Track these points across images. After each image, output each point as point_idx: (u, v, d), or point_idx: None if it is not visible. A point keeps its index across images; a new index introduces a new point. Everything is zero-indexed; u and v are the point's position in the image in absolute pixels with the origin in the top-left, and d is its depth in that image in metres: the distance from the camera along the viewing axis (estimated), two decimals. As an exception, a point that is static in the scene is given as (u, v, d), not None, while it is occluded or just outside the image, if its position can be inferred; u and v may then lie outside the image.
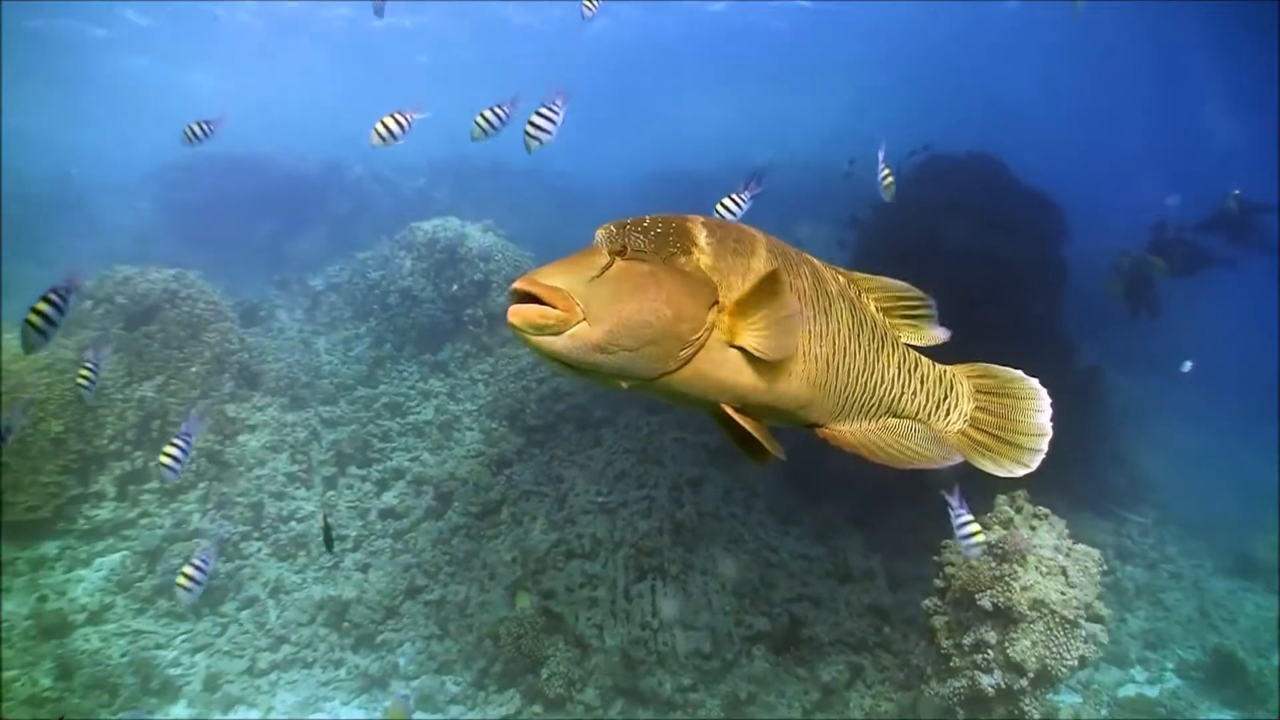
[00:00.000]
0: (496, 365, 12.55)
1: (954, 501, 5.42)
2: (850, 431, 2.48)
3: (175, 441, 5.93)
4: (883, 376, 2.48)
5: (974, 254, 11.49)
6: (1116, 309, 14.09)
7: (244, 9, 29.58)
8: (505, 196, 23.59)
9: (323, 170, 23.06)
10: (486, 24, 32.25)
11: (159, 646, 8.80)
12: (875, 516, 10.67)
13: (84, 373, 5.86)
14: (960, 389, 2.64)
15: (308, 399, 11.87)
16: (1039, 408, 2.56)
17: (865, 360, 2.43)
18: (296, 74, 37.06)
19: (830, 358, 2.33)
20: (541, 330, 1.96)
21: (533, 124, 5.13)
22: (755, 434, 2.18)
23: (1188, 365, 11.80)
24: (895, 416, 2.54)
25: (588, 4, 6.42)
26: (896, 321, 2.61)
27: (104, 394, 10.11)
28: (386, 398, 12.08)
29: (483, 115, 5.59)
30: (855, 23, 31.12)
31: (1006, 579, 6.31)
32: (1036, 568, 6.40)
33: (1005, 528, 6.66)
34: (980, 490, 7.20)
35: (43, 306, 4.40)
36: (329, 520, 7.05)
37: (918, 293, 2.62)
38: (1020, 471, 2.50)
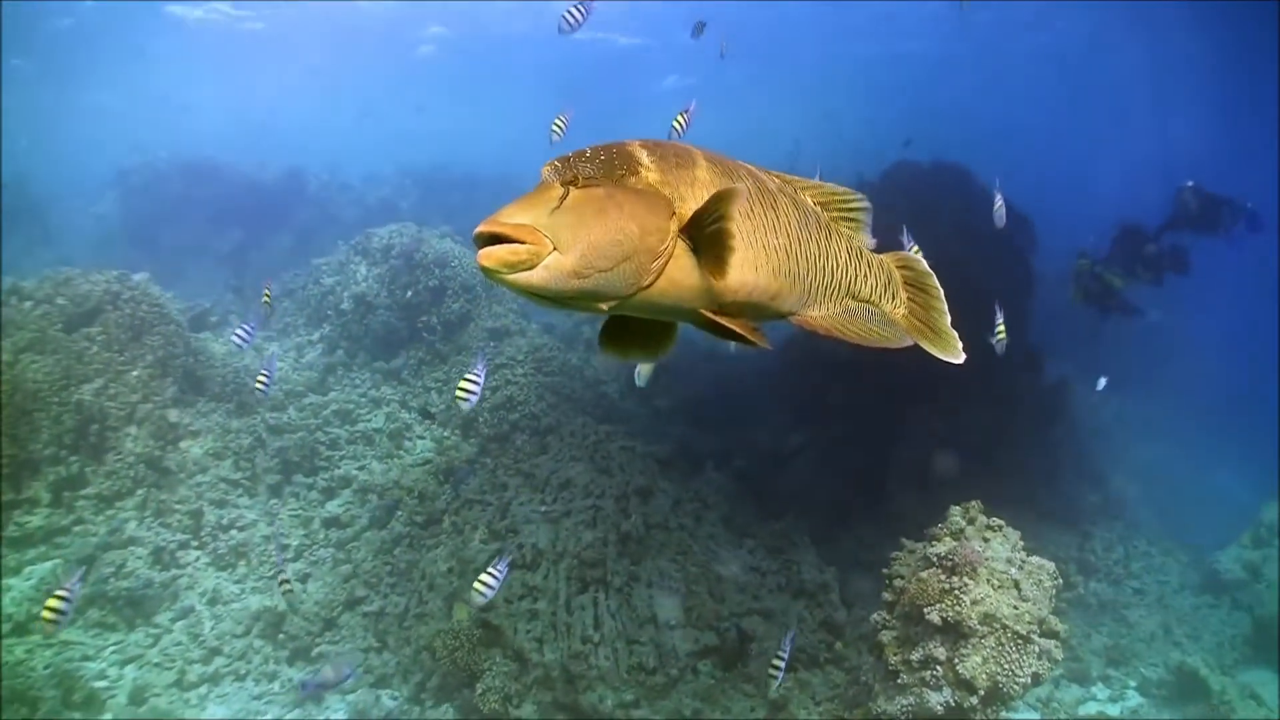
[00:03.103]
0: (450, 373, 12.28)
1: None
2: (820, 316, 2.59)
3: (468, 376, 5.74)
4: (837, 260, 2.60)
5: (939, 264, 11.27)
6: (1085, 320, 13.80)
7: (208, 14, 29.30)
8: (474, 206, 23.45)
9: (285, 178, 22.84)
10: (461, 31, 32.09)
11: (86, 658, 8.47)
12: (833, 532, 10.47)
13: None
14: (895, 276, 2.84)
15: (255, 405, 11.56)
16: (944, 310, 2.84)
17: (818, 245, 2.54)
18: (261, 82, 36.87)
19: (788, 247, 2.42)
20: (515, 267, 1.99)
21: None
22: (739, 330, 2.25)
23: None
24: (854, 300, 2.69)
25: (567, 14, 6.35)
26: (832, 217, 2.73)
27: (39, 397, 9.77)
28: (336, 405, 11.78)
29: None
30: (815, 33, 31.07)
31: (956, 592, 6.07)
32: (988, 581, 6.16)
33: (956, 539, 6.42)
34: (935, 501, 7.02)
35: None
36: None
37: (852, 193, 2.77)
38: (957, 359, 2.74)
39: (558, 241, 2.00)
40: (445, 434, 11.40)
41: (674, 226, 2.15)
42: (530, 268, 1.99)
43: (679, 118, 6.95)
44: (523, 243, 1.98)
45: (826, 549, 9.98)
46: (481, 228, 2.01)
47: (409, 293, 13.15)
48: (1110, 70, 30.81)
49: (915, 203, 12.05)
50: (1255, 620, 11.40)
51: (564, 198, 2.08)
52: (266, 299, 8.04)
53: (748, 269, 2.28)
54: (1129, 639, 10.81)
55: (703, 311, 2.27)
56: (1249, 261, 15.57)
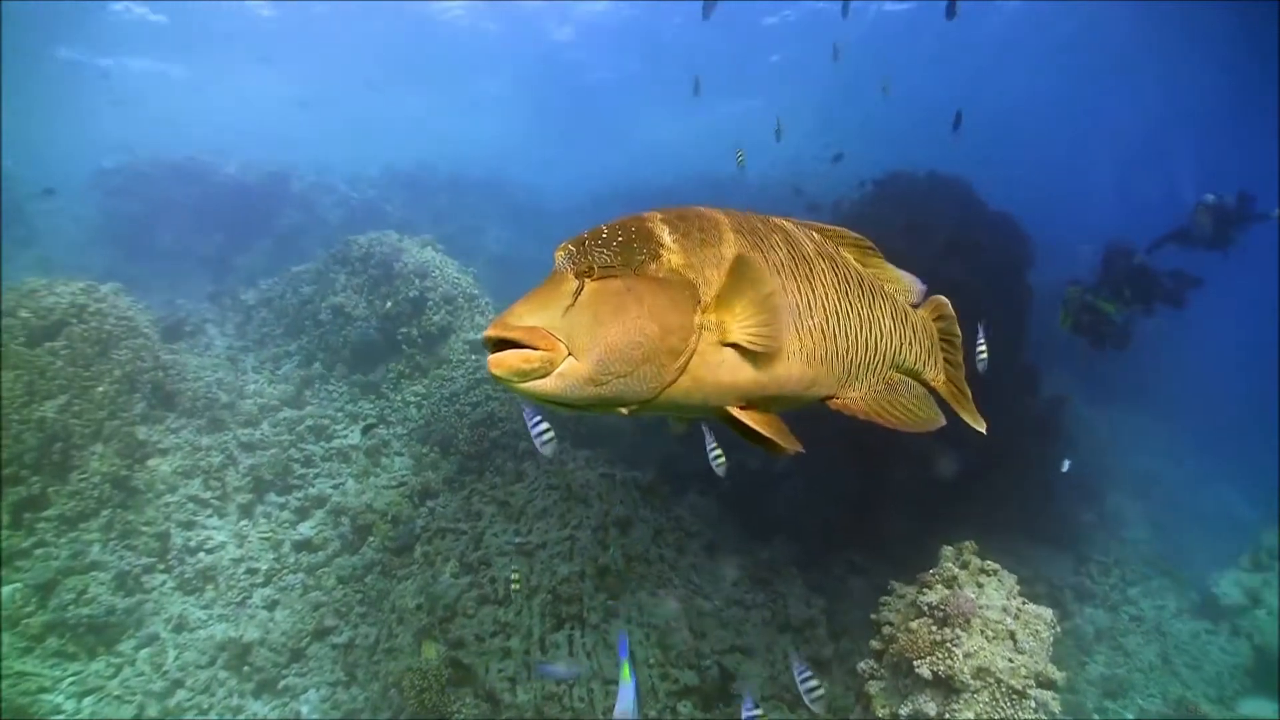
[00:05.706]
0: (430, 387, 11.95)
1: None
2: (861, 397, 2.43)
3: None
4: (881, 329, 2.46)
5: (934, 279, 10.94)
6: (1080, 343, 13.33)
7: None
8: (461, 209, 23.20)
9: (269, 180, 22.44)
10: (440, 32, 31.74)
11: (43, 690, 8.12)
12: (822, 556, 10.16)
13: None
14: (935, 333, 2.71)
15: (227, 421, 11.20)
16: (959, 363, 2.70)
17: (860, 318, 2.39)
18: (244, 80, 36.54)
19: (825, 325, 2.26)
20: (528, 375, 1.87)
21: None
22: (766, 432, 2.10)
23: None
24: (897, 371, 2.54)
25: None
26: (875, 272, 2.61)
27: (-1, 414, 9.43)
28: (312, 420, 11.44)
29: None
30: (817, 36, 30.71)
31: (948, 644, 5.75)
32: (982, 632, 5.83)
33: (949, 587, 6.09)
34: (927, 542, 6.70)
35: None
36: None
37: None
38: (979, 426, 2.66)
39: (572, 345, 1.88)
40: (424, 450, 11.04)
41: (699, 319, 2.01)
42: (544, 375, 1.87)
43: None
44: (535, 348, 1.86)
45: (815, 574, 9.67)
46: (490, 332, 1.90)
47: (388, 303, 12.80)
48: (1107, 68, 30.56)
49: (910, 216, 11.76)
50: (1255, 649, 11.10)
51: (578, 292, 1.93)
52: None
53: (779, 359, 2.13)
54: (1126, 669, 10.52)
55: (730, 410, 2.11)
56: (1251, 273, 15.16)
